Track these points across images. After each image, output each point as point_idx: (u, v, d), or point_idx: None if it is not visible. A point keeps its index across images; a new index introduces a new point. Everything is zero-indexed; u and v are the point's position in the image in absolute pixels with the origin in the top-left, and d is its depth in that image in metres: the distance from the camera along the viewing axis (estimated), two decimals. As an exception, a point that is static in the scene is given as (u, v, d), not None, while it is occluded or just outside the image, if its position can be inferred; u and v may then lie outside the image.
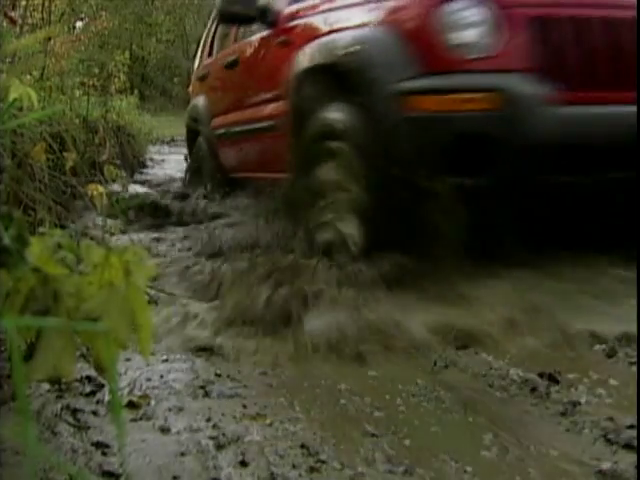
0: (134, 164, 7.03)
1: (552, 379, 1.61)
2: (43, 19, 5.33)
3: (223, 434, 1.33)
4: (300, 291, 2.07)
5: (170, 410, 1.45)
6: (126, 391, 1.55)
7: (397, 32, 2.40)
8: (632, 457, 1.23)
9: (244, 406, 1.48)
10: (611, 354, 1.78)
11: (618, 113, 2.27)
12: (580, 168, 2.24)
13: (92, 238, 2.53)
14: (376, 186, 2.40)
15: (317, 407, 1.50)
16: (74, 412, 1.39)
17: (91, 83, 6.12)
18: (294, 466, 1.21)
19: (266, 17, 3.47)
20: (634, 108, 2.15)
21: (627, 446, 1.27)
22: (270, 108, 3.36)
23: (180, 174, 6.61)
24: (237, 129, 3.95)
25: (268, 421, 1.41)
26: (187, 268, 2.53)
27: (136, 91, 13.06)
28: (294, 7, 3.34)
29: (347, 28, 2.69)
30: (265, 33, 3.56)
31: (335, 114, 2.62)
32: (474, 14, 2.24)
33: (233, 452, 1.26)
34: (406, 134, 2.28)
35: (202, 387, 1.59)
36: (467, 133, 2.17)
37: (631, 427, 1.34)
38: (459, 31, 2.24)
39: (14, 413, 1.26)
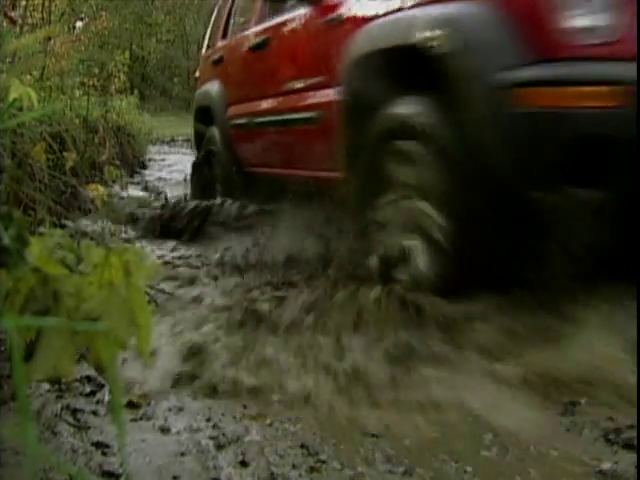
0: (134, 164, 7.03)
1: None
2: (43, 19, 5.33)
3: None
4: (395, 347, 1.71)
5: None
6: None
7: (500, 9, 1.92)
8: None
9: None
10: None
11: None
12: None
13: (92, 238, 2.52)
14: (465, 200, 1.98)
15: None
16: (74, 412, 1.39)
17: (91, 83, 6.12)
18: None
19: None
20: None
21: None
22: (312, 97, 2.88)
23: (179, 175, 6.58)
24: (263, 119, 3.47)
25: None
26: (253, 301, 2.13)
27: (136, 91, 13.07)
28: None
29: (429, 3, 2.17)
30: (306, 10, 2.99)
31: (409, 109, 2.19)
32: None
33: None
34: (513, 135, 1.88)
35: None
36: (589, 134, 1.79)
37: None
38: (578, 10, 1.83)
39: (14, 413, 1.26)
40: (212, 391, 1.53)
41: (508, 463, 1.24)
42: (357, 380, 1.54)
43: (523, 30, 1.88)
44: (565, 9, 1.83)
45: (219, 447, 1.28)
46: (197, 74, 5.12)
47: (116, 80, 10.68)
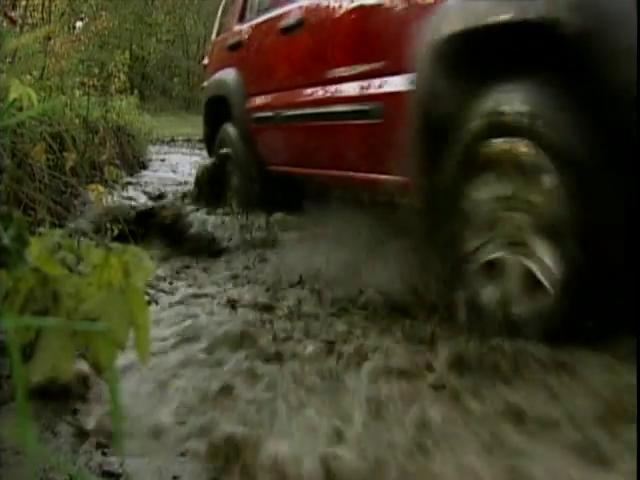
0: (134, 164, 7.03)
1: None
2: (43, 19, 5.34)
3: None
4: None
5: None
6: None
7: None
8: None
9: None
10: None
11: None
12: None
13: (91, 238, 2.52)
14: (596, 231, 1.50)
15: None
16: (74, 412, 1.39)
17: (91, 83, 6.12)
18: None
19: None
20: None
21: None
22: (369, 86, 2.39)
23: (180, 177, 6.56)
24: (297, 112, 2.98)
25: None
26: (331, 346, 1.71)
27: (136, 91, 13.07)
28: None
29: None
30: None
31: (514, 101, 1.69)
32: None
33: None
34: None
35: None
36: None
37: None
38: None
39: (14, 413, 1.26)
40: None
41: None
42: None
43: None
44: None
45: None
46: (205, 61, 4.57)
47: (116, 80, 10.69)
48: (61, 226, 2.50)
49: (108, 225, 2.42)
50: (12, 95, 1.33)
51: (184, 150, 11.70)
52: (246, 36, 3.72)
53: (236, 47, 3.83)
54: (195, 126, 17.51)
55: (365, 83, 2.43)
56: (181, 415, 1.32)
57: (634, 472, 1.07)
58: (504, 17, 1.73)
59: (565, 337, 1.51)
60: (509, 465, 1.11)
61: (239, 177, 3.68)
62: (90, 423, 1.29)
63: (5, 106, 1.46)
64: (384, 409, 1.31)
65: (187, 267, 2.72)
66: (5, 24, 3.09)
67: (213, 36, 4.55)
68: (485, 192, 1.79)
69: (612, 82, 1.50)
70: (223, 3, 4.53)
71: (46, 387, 1.33)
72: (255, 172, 3.49)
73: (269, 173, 3.40)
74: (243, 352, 1.66)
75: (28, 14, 4.90)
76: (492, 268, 1.74)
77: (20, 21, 3.80)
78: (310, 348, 1.68)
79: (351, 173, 2.60)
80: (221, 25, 4.41)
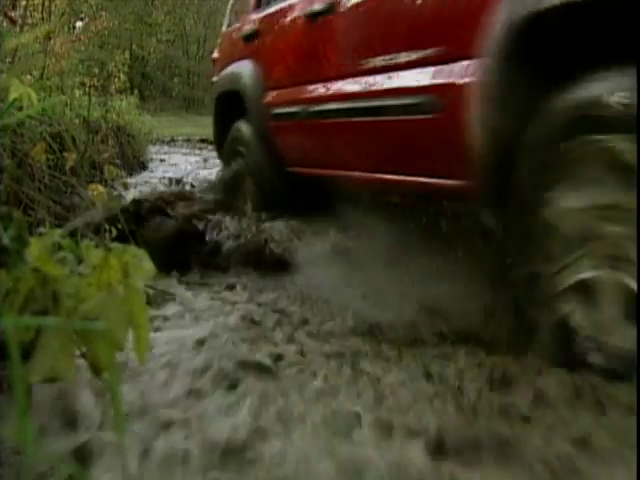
0: (134, 164, 7.04)
1: None
2: (43, 19, 5.34)
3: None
4: None
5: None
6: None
7: None
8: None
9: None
10: None
11: None
12: None
13: (91, 238, 2.51)
14: None
15: None
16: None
17: (91, 83, 6.13)
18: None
19: None
20: None
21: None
22: (422, 76, 2.04)
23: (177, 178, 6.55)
24: (329, 107, 2.61)
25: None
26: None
27: (136, 91, 13.08)
28: None
29: None
30: None
31: (615, 90, 1.42)
32: None
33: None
34: None
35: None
36: None
37: None
38: None
39: (14, 413, 1.26)
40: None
41: None
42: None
43: None
44: None
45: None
46: (215, 55, 4.19)
47: (116, 80, 10.70)
48: (60, 226, 2.50)
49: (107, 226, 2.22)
50: (12, 95, 1.33)
51: (184, 150, 11.71)
52: (264, 25, 3.34)
53: (252, 37, 3.46)
54: (195, 126, 17.55)
55: (418, 72, 2.06)
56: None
57: None
58: None
59: None
60: None
61: (254, 180, 3.32)
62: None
63: (5, 106, 1.46)
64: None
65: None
66: (5, 24, 3.10)
67: (224, 27, 4.16)
68: (575, 200, 1.49)
69: None
70: None
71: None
72: (273, 174, 3.14)
73: (290, 175, 3.05)
74: None
75: (28, 14, 4.91)
76: (584, 289, 1.46)
77: (20, 21, 3.80)
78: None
79: (396, 176, 2.23)
80: (233, 15, 4.00)
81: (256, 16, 3.49)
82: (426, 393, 1.37)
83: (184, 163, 8.39)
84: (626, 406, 1.21)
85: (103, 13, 17.33)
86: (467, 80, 1.82)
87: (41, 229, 1.87)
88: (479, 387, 1.39)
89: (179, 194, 3.14)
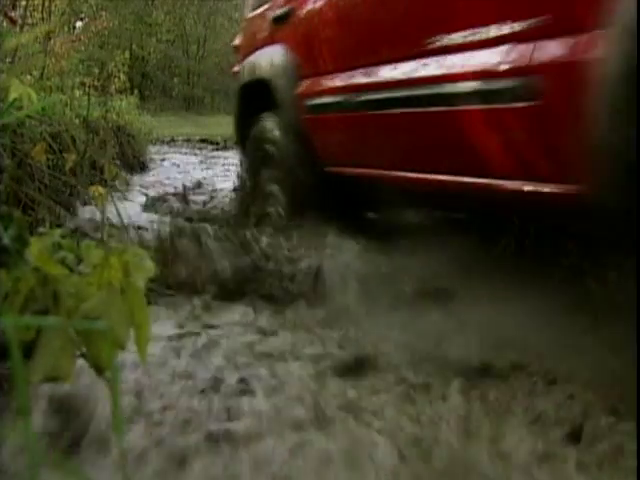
0: (134, 164, 7.04)
1: None
2: (43, 19, 5.35)
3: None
4: None
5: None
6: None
7: None
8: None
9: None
10: None
11: None
12: None
13: (92, 238, 2.51)
14: None
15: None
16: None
17: (91, 83, 6.13)
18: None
19: None
20: None
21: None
22: (514, 55, 1.63)
23: (177, 178, 6.54)
24: (383, 95, 2.17)
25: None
26: None
27: (136, 91, 13.09)
28: None
29: None
30: None
31: None
32: None
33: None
34: None
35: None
36: None
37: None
38: None
39: (14, 412, 1.26)
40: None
41: None
42: None
43: None
44: None
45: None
46: (237, 42, 3.73)
47: (116, 80, 10.70)
48: (60, 226, 2.51)
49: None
50: (12, 95, 1.33)
51: (184, 150, 11.71)
52: (300, 4, 2.88)
53: (285, 18, 3.00)
54: (195, 126, 17.56)
55: (511, 49, 1.65)
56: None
57: None
58: None
59: None
60: None
61: (284, 185, 2.84)
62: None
63: (5, 106, 1.46)
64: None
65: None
66: (5, 24, 3.10)
67: (246, 11, 3.69)
68: None
69: None
70: None
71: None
72: (308, 177, 2.68)
73: (328, 178, 2.60)
74: None
75: (28, 14, 4.91)
76: None
77: (20, 21, 3.81)
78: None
79: (476, 179, 1.80)
80: None
81: None
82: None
83: (188, 164, 8.38)
84: None
85: (103, 13, 17.35)
86: (576, 58, 1.45)
87: (41, 229, 1.87)
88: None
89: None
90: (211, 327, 1.72)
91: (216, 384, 1.33)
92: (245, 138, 3.24)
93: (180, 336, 1.62)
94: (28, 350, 0.56)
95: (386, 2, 2.20)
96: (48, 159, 2.49)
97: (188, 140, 13.83)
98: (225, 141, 13.57)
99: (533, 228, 2.02)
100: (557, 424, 1.20)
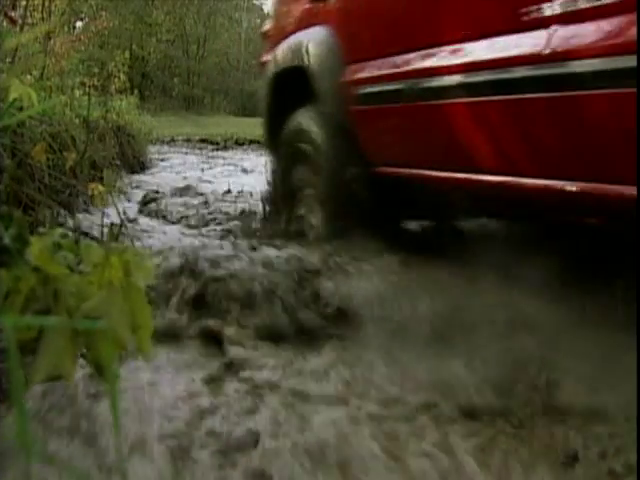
0: (134, 164, 7.05)
1: None
2: (43, 19, 5.35)
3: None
4: None
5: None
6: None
7: None
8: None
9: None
10: None
11: None
12: None
13: (92, 238, 2.51)
14: None
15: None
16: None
17: (91, 83, 6.14)
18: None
19: None
20: None
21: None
22: None
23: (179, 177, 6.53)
24: (458, 79, 1.72)
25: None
26: None
27: (136, 91, 13.10)
28: None
29: None
30: None
31: None
32: None
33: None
34: None
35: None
36: None
37: None
38: None
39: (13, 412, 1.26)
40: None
41: None
42: None
43: None
44: None
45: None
46: (266, 28, 3.29)
47: (116, 80, 10.71)
48: (60, 226, 2.51)
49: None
50: (12, 95, 1.33)
51: (184, 150, 11.71)
52: None
53: None
54: (195, 126, 17.56)
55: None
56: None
57: None
58: None
59: None
60: None
61: (325, 190, 2.40)
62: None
63: (5, 106, 1.47)
64: None
65: None
66: (5, 24, 3.10)
67: None
68: None
69: None
70: None
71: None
72: (351, 178, 2.27)
73: (377, 179, 2.21)
74: None
75: (28, 14, 4.91)
76: None
77: (20, 21, 3.81)
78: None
79: (599, 185, 1.41)
80: None
81: None
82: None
83: (187, 164, 8.38)
84: None
85: (103, 13, 17.35)
86: None
87: (41, 229, 1.87)
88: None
89: None
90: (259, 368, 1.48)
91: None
92: (276, 136, 2.83)
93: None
94: (30, 350, 0.56)
95: None
96: (48, 159, 2.49)
97: (188, 140, 13.84)
98: (225, 141, 13.59)
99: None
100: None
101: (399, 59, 2.03)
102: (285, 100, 2.78)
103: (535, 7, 1.50)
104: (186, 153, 10.92)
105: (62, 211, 2.62)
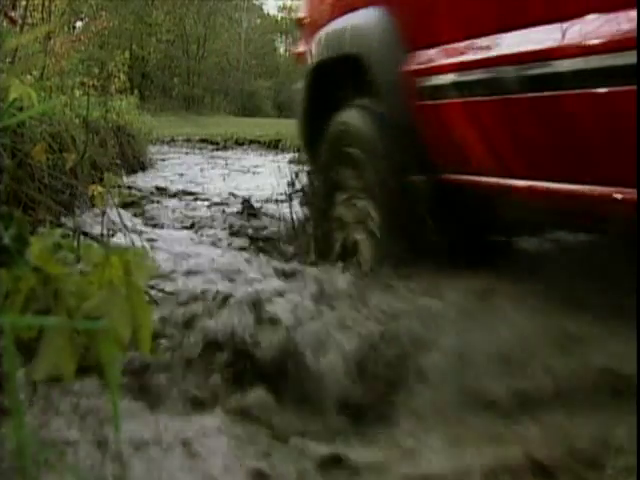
0: (134, 164, 7.05)
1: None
2: (43, 19, 5.35)
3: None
4: None
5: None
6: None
7: None
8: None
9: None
10: None
11: None
12: None
13: (93, 238, 2.50)
14: None
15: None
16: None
17: (91, 83, 6.13)
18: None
19: None
20: None
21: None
22: None
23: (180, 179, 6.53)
24: (563, 66, 1.31)
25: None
26: None
27: (136, 91, 13.09)
28: None
29: None
30: None
31: None
32: None
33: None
34: None
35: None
36: None
37: None
38: None
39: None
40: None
41: None
42: None
43: None
44: None
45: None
46: (302, 14, 2.81)
47: (116, 80, 10.70)
48: (60, 226, 2.51)
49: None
50: (12, 95, 1.33)
51: (184, 150, 11.71)
52: None
53: None
54: (195, 126, 17.55)
55: None
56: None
57: None
58: None
59: None
60: None
61: (381, 202, 2.00)
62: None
63: (5, 106, 1.47)
64: None
65: None
66: (5, 24, 3.10)
67: None
68: None
69: None
70: None
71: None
72: (415, 188, 1.88)
73: (446, 187, 1.84)
74: None
75: (28, 14, 4.91)
76: None
77: (20, 21, 3.81)
78: None
79: None
80: None
81: None
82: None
83: (186, 165, 8.39)
84: None
85: (103, 13, 17.35)
86: None
87: (41, 229, 1.87)
88: None
89: None
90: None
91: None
92: (316, 138, 2.41)
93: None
94: (30, 350, 0.56)
95: None
96: (48, 159, 2.49)
97: (188, 140, 13.85)
98: (225, 141, 13.59)
99: None
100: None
101: (489, 41, 1.59)
102: (327, 95, 2.39)
103: None
104: (186, 153, 10.93)
105: (62, 211, 2.62)
